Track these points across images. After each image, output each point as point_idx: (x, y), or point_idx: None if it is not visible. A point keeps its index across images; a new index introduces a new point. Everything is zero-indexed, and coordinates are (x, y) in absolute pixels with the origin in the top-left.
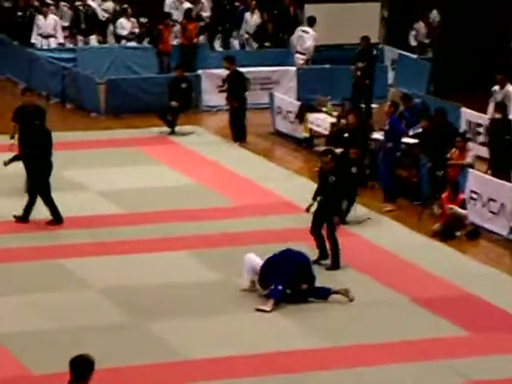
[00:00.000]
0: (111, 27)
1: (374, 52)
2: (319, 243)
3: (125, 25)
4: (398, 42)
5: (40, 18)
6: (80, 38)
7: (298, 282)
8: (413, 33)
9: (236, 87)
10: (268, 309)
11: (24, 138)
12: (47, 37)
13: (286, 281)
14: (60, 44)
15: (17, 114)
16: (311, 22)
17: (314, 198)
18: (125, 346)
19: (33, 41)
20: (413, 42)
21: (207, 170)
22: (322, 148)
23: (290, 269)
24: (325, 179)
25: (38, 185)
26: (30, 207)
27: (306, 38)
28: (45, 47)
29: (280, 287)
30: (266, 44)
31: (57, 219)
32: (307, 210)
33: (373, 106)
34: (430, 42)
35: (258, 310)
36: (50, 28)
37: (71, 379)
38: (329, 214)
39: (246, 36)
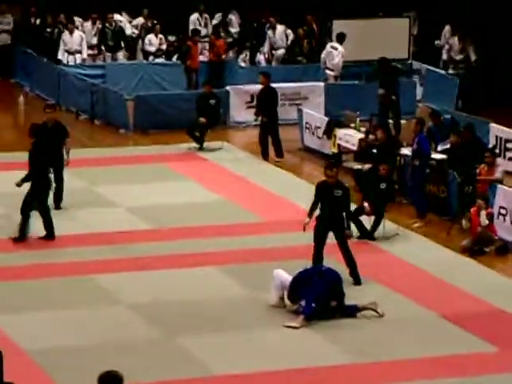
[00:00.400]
0: (139, 43)
1: (399, 66)
2: (318, 258)
3: (153, 41)
4: (427, 58)
5: (66, 35)
6: (108, 54)
7: (328, 298)
8: (446, 47)
9: (267, 103)
10: (297, 325)
11: (38, 153)
12: (73, 53)
13: (318, 297)
14: (83, 60)
15: (33, 130)
16: (340, 38)
17: (310, 215)
18: (154, 361)
19: (59, 57)
20: (444, 56)
21: (236, 185)
22: (351, 164)
23: (322, 285)
24: (328, 193)
25: (37, 199)
26: (48, 223)
27: (334, 55)
28: (71, 63)
29: (313, 304)
30: (299, 58)
31: (22, 237)
32: (304, 229)
33: (402, 121)
34: (463, 57)
35: (288, 326)
36: (75, 44)
37: None
38: (335, 228)
39: (272, 52)
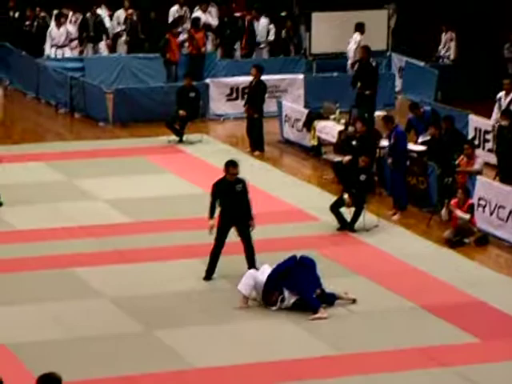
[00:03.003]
0: (123, 37)
1: (374, 63)
2: (214, 263)
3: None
4: (406, 50)
5: (53, 29)
6: (90, 45)
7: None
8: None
9: (257, 97)
10: (326, 315)
11: None
12: (61, 47)
13: (314, 286)
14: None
15: None
16: (358, 27)
17: (212, 216)
18: (136, 354)
19: (47, 52)
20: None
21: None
22: (331, 156)
23: (308, 275)
24: (230, 189)
25: None
26: None
27: (350, 43)
28: (59, 57)
29: (314, 295)
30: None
31: None
32: (211, 231)
33: (377, 114)
34: (445, 51)
35: (315, 319)
36: (63, 38)
37: None
38: (238, 222)
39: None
